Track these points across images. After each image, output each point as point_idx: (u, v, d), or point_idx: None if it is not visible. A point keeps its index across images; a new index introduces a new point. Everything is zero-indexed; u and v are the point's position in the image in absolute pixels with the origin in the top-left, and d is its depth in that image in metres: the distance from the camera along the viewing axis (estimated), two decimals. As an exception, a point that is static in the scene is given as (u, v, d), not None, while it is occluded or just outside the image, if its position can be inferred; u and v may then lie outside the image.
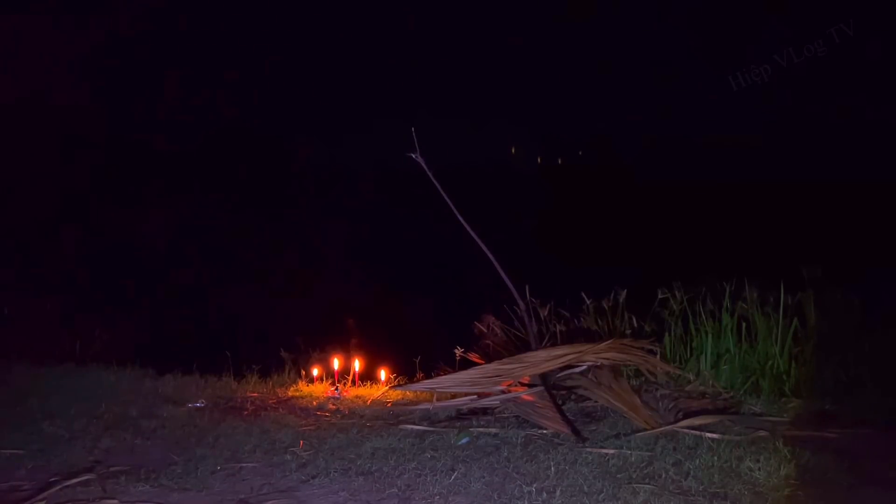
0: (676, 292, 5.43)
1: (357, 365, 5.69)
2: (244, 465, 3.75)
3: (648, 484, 3.33)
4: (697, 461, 3.54)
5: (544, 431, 4.13)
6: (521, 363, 4.48)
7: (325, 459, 3.77)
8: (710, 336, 5.16)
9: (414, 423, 4.38)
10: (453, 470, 3.54)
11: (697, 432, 3.93)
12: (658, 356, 4.76)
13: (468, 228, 4.87)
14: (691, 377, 4.90)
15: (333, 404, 5.01)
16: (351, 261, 11.65)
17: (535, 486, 3.32)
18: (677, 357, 5.24)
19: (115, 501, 3.31)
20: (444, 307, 8.60)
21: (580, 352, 4.45)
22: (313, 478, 3.56)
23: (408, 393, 5.12)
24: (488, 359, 4.88)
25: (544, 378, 4.58)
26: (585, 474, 3.44)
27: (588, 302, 5.54)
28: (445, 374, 4.73)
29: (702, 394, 4.70)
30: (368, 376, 5.76)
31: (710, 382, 4.84)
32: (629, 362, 4.66)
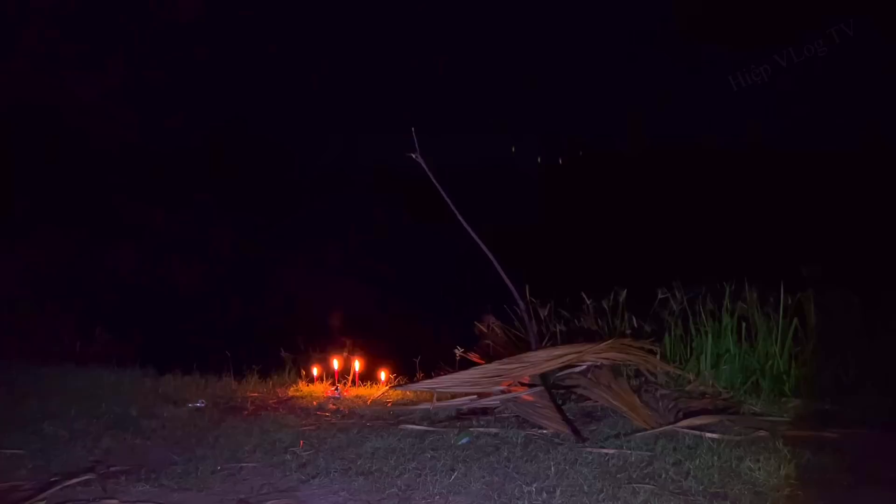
0: (676, 292, 5.43)
1: (357, 365, 5.69)
2: (244, 465, 3.75)
3: (648, 484, 3.33)
4: (697, 461, 3.54)
5: (544, 431, 4.13)
6: (521, 363, 4.48)
7: (325, 459, 3.77)
8: (710, 336, 5.15)
9: (414, 423, 4.38)
10: (453, 470, 3.53)
11: (697, 432, 3.93)
12: (658, 356, 4.76)
13: (468, 228, 4.87)
14: (691, 377, 4.90)
15: (333, 404, 5.01)
16: (351, 261, 11.66)
17: (535, 486, 3.32)
18: (677, 357, 5.24)
19: (115, 501, 3.30)
20: (444, 307, 8.60)
21: (580, 352, 4.45)
22: (313, 478, 3.56)
23: (408, 393, 5.13)
24: (488, 359, 4.88)
25: (544, 378, 4.58)
26: (585, 474, 3.44)
27: (588, 302, 5.55)
28: (445, 374, 4.73)
29: (702, 394, 4.70)
30: (368, 376, 5.76)
31: (710, 382, 4.84)
32: (629, 362, 4.66)
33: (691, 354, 5.21)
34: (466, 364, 5.05)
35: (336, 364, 5.67)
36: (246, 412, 4.76)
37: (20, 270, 9.06)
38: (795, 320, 5.03)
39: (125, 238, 11.37)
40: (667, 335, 5.32)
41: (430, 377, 4.94)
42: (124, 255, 10.81)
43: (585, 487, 3.30)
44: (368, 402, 5.07)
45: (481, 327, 5.48)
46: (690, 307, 5.35)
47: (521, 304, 5.01)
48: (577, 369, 4.56)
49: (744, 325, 5.14)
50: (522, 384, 4.56)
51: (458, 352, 5.21)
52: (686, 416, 4.20)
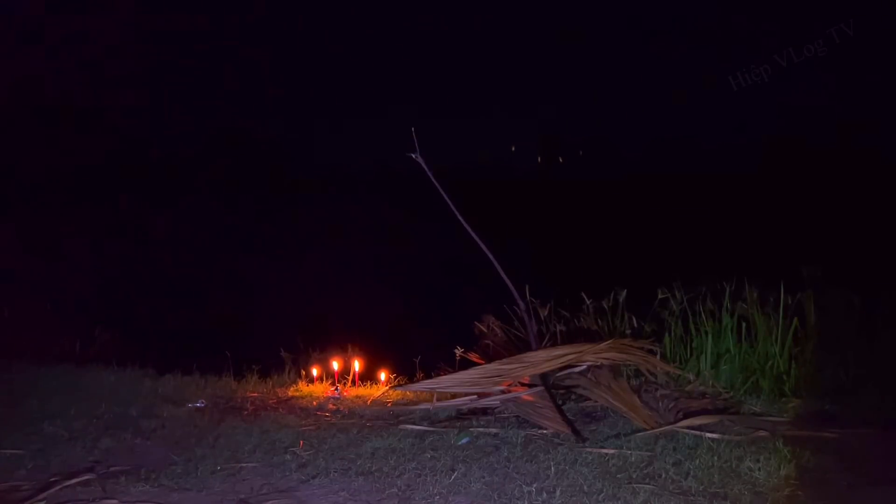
0: (676, 292, 5.43)
1: (357, 365, 5.69)
2: (244, 465, 3.75)
3: (648, 484, 3.33)
4: (697, 461, 3.54)
5: (544, 431, 4.13)
6: (521, 363, 4.48)
7: (325, 459, 3.77)
8: (710, 336, 5.15)
9: (414, 423, 4.38)
10: (453, 470, 3.54)
11: (697, 432, 3.93)
12: (658, 356, 4.76)
13: (468, 228, 4.87)
14: (691, 377, 4.90)
15: (333, 404, 5.01)
16: (351, 261, 11.66)
17: (535, 486, 3.32)
18: (677, 357, 5.24)
19: (115, 501, 3.31)
20: (444, 307, 8.60)
21: (580, 352, 4.45)
22: (313, 478, 3.56)
23: (408, 393, 5.12)
24: (488, 359, 4.88)
25: (544, 378, 4.58)
26: (585, 474, 3.44)
27: (588, 302, 5.54)
28: (445, 374, 4.73)
29: (702, 394, 4.70)
30: (368, 376, 5.76)
31: (710, 382, 4.84)
32: (629, 362, 4.66)
33: (691, 354, 5.21)
34: (466, 364, 5.04)
35: (336, 364, 5.67)
36: (246, 412, 4.76)
37: (20, 270, 9.06)
38: (795, 320, 5.02)
39: (125, 238, 11.37)
40: (667, 335, 5.31)
41: (430, 377, 4.94)
42: (125, 255, 10.81)
43: (585, 487, 3.30)
44: (368, 403, 5.07)
45: (481, 327, 5.47)
46: (690, 307, 5.35)
47: (521, 304, 5.00)
48: (577, 369, 4.56)
49: (744, 325, 5.14)
50: (522, 384, 4.56)
51: (458, 352, 5.21)
52: (686, 416, 4.20)
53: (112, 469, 3.70)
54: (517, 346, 5.22)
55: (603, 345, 4.47)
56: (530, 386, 4.54)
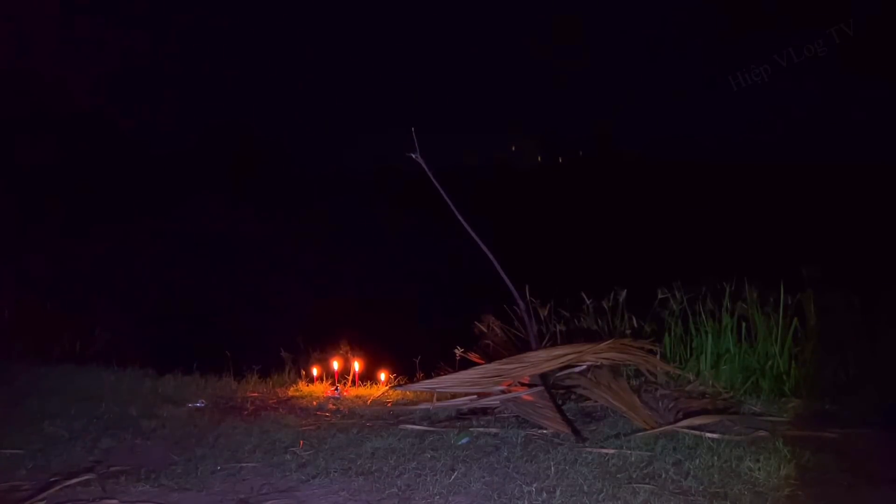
0: (676, 292, 5.43)
1: (357, 365, 5.69)
2: (244, 465, 3.75)
3: (648, 484, 3.33)
4: (697, 461, 3.55)
5: (544, 431, 4.13)
6: (521, 363, 4.48)
7: (325, 459, 3.77)
8: (710, 336, 5.15)
9: (414, 423, 4.38)
10: (453, 470, 3.54)
11: (697, 432, 3.93)
12: (658, 356, 4.76)
13: (468, 228, 4.87)
14: (691, 377, 4.90)
15: (333, 404, 5.01)
16: (351, 261, 11.66)
17: (535, 486, 3.32)
18: (677, 357, 5.24)
19: (115, 501, 3.31)
20: (444, 307, 8.60)
21: (580, 352, 4.45)
22: (313, 478, 3.56)
23: (408, 393, 5.13)
24: (488, 359, 4.88)
25: (544, 378, 4.58)
26: (585, 474, 3.44)
27: (588, 302, 5.54)
28: (445, 374, 4.73)
29: (702, 394, 4.70)
30: (368, 376, 5.76)
31: (710, 382, 4.84)
32: (629, 362, 4.66)
33: (691, 354, 5.21)
34: (466, 364, 5.04)
35: (336, 364, 5.67)
36: (246, 412, 4.76)
37: (20, 270, 9.05)
38: (795, 320, 5.03)
39: (125, 238, 11.37)
40: (667, 335, 5.31)
41: (430, 377, 4.94)
42: (124, 255, 10.81)
43: (585, 487, 3.30)
44: (368, 403, 5.07)
45: (481, 327, 5.47)
46: (690, 307, 5.35)
47: (521, 304, 5.00)
48: (577, 369, 4.56)
49: (744, 325, 5.14)
50: (522, 384, 4.56)
51: (458, 352, 5.21)
52: (686, 416, 4.20)
53: (112, 469, 3.70)
54: (517, 346, 5.22)
55: (603, 345, 4.47)
56: (530, 386, 4.54)
